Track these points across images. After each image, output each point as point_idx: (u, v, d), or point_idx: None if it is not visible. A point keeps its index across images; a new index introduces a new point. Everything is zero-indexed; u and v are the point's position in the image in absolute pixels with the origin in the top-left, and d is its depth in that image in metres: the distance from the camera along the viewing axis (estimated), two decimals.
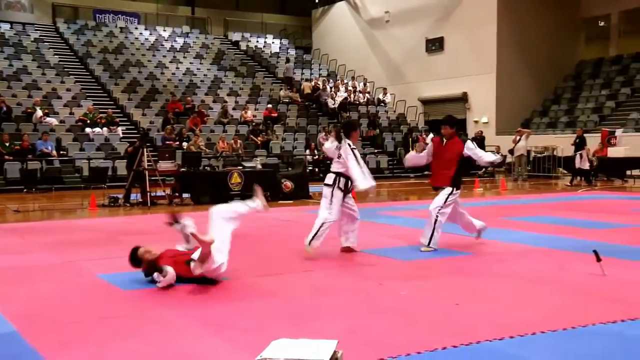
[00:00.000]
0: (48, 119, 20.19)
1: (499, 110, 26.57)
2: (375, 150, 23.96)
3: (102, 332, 4.06)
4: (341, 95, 27.01)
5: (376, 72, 30.67)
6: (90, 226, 9.92)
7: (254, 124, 22.93)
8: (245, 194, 13.60)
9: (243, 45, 32.17)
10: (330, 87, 27.47)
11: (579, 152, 18.49)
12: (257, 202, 5.80)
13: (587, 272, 5.65)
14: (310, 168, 20.25)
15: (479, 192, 16.22)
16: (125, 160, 15.05)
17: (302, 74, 30.23)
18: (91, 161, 18.05)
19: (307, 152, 22.02)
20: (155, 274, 5.22)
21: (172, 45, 29.52)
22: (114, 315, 4.49)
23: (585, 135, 19.61)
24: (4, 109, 19.82)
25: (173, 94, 23.93)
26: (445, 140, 7.04)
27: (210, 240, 5.03)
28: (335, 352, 3.22)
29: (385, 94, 28.67)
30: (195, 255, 5.20)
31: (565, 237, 7.87)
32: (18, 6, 27.83)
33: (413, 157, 7.69)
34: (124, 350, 3.69)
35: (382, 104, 28.39)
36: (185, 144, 19.63)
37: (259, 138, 22.11)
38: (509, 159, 22.79)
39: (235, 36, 32.92)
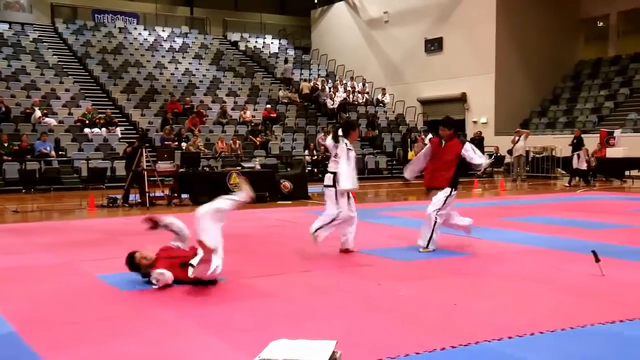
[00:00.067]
0: (47, 119, 20.18)
1: (498, 111, 26.59)
2: (374, 151, 23.97)
3: (101, 333, 4.06)
4: (340, 95, 27.02)
5: (375, 73, 30.68)
6: (88, 227, 9.91)
7: (252, 124, 22.94)
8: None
9: (242, 46, 32.17)
10: (329, 88, 27.48)
11: (577, 153, 18.52)
12: (241, 193, 5.69)
13: (586, 272, 5.65)
14: (309, 168, 20.25)
15: (478, 193, 16.23)
16: (124, 161, 15.04)
17: (301, 74, 30.23)
18: (90, 161, 18.04)
19: (306, 152, 22.03)
20: (152, 276, 5.23)
21: (171, 46, 29.51)
22: (112, 316, 4.48)
23: (584, 135, 19.64)
24: (3, 109, 19.82)
25: (172, 94, 23.93)
26: (444, 142, 7.02)
27: (214, 247, 5.01)
28: (333, 352, 3.22)
29: (384, 94, 28.68)
30: (195, 260, 5.15)
31: (564, 238, 7.87)
32: (17, 6, 27.83)
33: (412, 167, 7.48)
34: (122, 351, 3.69)
35: (381, 104, 28.40)
36: (184, 145, 19.64)
37: (258, 138, 22.11)
38: (507, 159, 22.82)
39: (234, 36, 32.92)
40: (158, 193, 13.23)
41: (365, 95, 28.63)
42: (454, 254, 6.81)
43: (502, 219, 9.91)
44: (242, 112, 23.71)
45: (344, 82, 28.92)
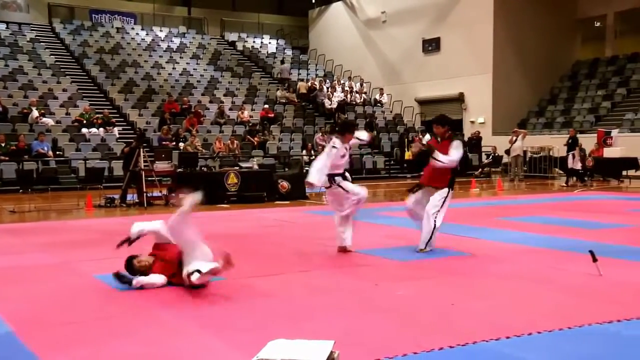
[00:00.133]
0: (44, 119, 20.13)
1: (496, 111, 26.61)
2: (372, 151, 23.96)
3: (99, 333, 4.05)
4: (338, 95, 27.02)
5: (373, 73, 30.68)
6: (86, 227, 9.90)
7: (250, 124, 22.92)
8: (242, 195, 13.69)
9: (240, 46, 32.15)
10: (327, 88, 27.48)
11: (572, 152, 18.57)
12: (183, 206, 5.29)
13: (584, 272, 5.66)
14: (307, 168, 20.21)
15: (476, 193, 16.23)
16: (121, 161, 15.03)
17: (299, 74, 30.23)
18: (87, 162, 18.01)
19: (304, 152, 22.01)
20: (140, 282, 5.22)
21: (168, 46, 29.48)
22: (110, 316, 4.48)
23: (582, 135, 19.69)
24: (0, 109, 19.78)
25: (169, 95, 23.89)
26: (440, 140, 7.02)
27: (220, 265, 4.99)
28: (331, 352, 3.22)
29: (381, 94, 28.68)
30: (203, 268, 5.02)
31: (562, 237, 7.88)
32: (14, 6, 27.77)
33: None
34: (120, 351, 3.69)
35: (378, 104, 28.40)
36: (181, 145, 19.63)
37: (256, 138, 22.10)
38: (505, 160, 22.85)
39: (231, 36, 32.89)
40: (156, 193, 13.23)
41: (363, 95, 28.64)
42: (451, 254, 6.81)
43: (499, 219, 9.92)
44: (239, 112, 23.70)
45: (342, 82, 28.92)
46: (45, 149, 18.15)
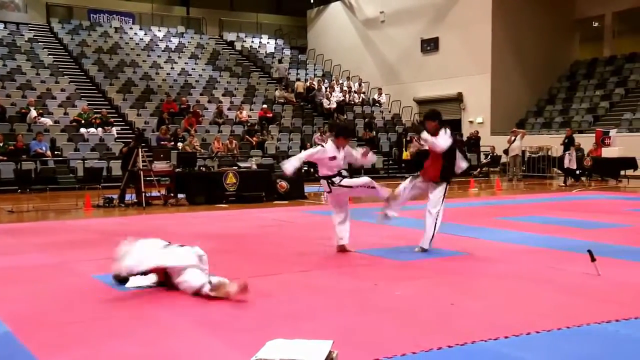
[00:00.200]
0: (42, 119, 20.12)
1: (494, 111, 26.64)
2: (371, 151, 23.94)
3: (97, 333, 4.05)
4: (336, 95, 27.02)
5: (371, 73, 30.69)
6: (84, 227, 9.89)
7: (249, 124, 22.92)
8: (241, 195, 13.68)
9: (238, 46, 32.15)
10: (326, 88, 27.47)
11: (567, 152, 18.61)
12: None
13: (582, 272, 5.66)
14: (306, 168, 20.23)
15: (474, 192, 16.24)
16: (120, 161, 15.02)
17: (297, 74, 30.23)
18: (86, 161, 18.00)
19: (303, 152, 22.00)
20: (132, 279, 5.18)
21: (167, 46, 29.47)
22: (108, 316, 4.47)
23: (580, 135, 19.72)
24: None
25: (168, 94, 23.89)
26: (432, 135, 7.00)
27: (233, 290, 4.79)
28: (330, 352, 3.22)
29: (380, 94, 28.69)
30: (214, 279, 4.99)
31: (560, 237, 7.88)
32: (12, 6, 27.76)
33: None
34: (118, 351, 3.68)
35: (377, 104, 28.41)
36: (180, 144, 19.61)
37: (254, 138, 22.09)
38: (503, 159, 22.87)
39: (230, 36, 32.89)
40: (154, 193, 13.23)
41: (362, 95, 28.65)
42: (450, 254, 6.81)
43: (498, 219, 9.93)
44: (238, 112, 23.69)
45: (340, 82, 28.93)
46: (44, 148, 18.14)
